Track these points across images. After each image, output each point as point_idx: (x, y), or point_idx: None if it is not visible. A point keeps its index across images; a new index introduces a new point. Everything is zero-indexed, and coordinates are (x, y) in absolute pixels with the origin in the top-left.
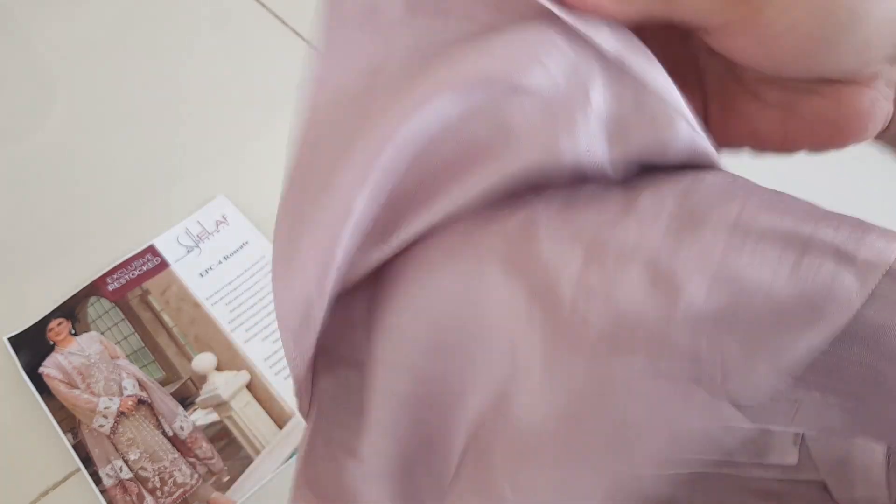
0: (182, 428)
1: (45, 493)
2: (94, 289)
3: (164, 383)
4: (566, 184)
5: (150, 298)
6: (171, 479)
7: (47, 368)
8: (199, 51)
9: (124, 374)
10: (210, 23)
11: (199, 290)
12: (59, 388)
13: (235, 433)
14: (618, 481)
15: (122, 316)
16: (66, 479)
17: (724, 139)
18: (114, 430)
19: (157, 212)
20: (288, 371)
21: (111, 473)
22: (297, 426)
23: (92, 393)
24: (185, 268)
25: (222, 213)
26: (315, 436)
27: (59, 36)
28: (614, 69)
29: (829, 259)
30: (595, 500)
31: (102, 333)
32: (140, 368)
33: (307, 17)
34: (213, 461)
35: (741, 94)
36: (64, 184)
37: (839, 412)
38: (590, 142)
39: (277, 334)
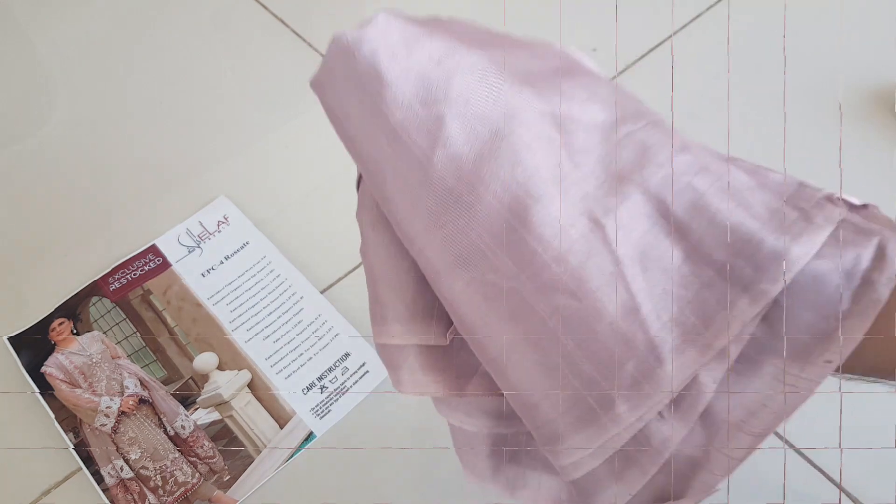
0: (183, 427)
1: (47, 492)
2: (96, 288)
3: (165, 382)
4: None
5: (152, 298)
6: (173, 478)
7: (49, 368)
8: (199, 51)
9: (126, 374)
10: (211, 23)
11: (201, 289)
12: (60, 388)
13: (236, 432)
14: None
15: (124, 315)
16: (67, 478)
17: None
18: (115, 430)
19: (159, 212)
20: (288, 371)
21: (112, 473)
22: (298, 425)
23: (93, 392)
24: (186, 268)
25: (223, 213)
26: None
27: (59, 37)
28: None
29: None
30: None
31: (104, 333)
32: (141, 368)
33: (307, 17)
34: (214, 460)
35: None
36: (65, 184)
37: None
38: None
39: (278, 334)
